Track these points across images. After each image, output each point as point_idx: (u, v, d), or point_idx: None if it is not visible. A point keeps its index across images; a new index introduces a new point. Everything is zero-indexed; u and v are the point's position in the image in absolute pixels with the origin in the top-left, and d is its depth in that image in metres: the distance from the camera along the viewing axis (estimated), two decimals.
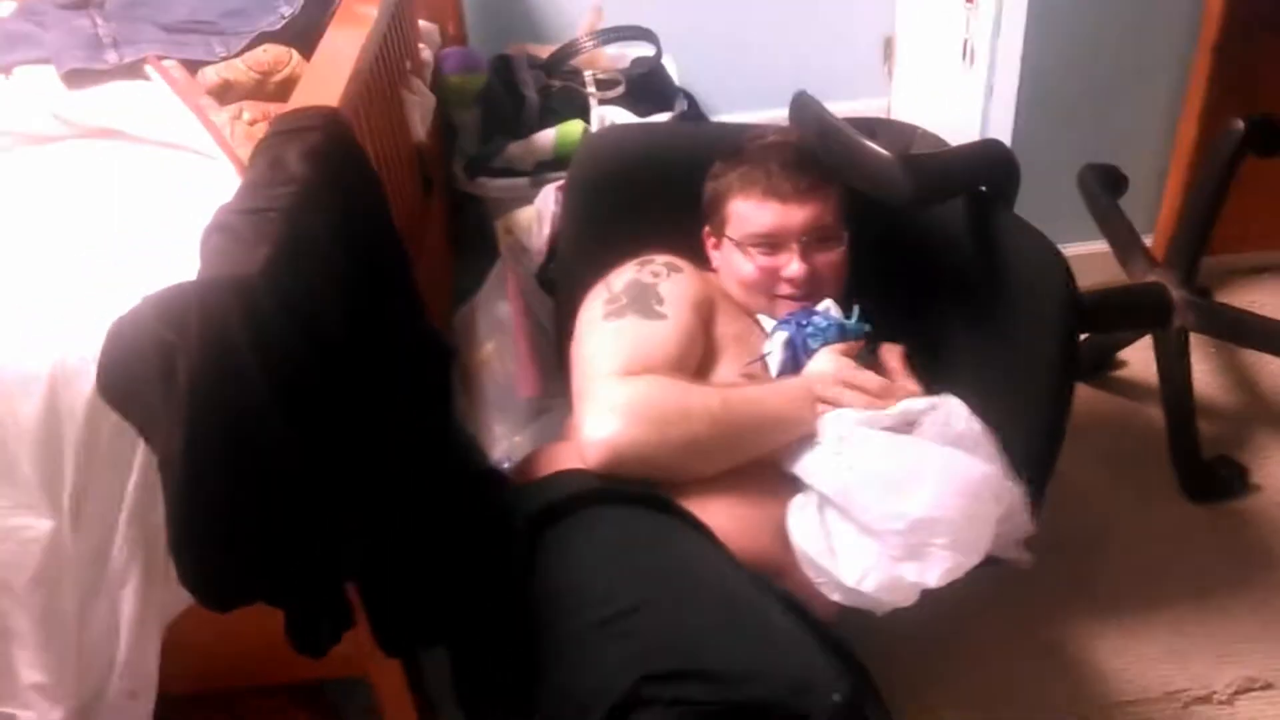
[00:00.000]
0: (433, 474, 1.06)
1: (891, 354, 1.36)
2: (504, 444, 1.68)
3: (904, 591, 1.14)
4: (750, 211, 1.38)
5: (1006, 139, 1.97)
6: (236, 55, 1.45)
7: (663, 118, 2.06)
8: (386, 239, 1.19)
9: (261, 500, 0.89)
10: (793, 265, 1.35)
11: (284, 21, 1.50)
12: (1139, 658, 1.48)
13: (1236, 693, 1.42)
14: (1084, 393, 1.98)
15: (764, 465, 1.28)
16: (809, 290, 1.37)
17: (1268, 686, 1.43)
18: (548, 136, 1.98)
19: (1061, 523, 1.30)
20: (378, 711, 1.29)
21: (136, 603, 1.02)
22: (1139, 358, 2.01)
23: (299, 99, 1.15)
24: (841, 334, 1.33)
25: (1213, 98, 1.92)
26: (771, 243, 1.37)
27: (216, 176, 1.25)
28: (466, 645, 1.22)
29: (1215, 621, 1.53)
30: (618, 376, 1.22)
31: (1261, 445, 1.85)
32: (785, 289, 1.38)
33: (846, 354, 1.30)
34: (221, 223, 0.92)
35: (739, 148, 1.45)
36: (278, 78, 1.42)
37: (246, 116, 1.35)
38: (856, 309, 1.36)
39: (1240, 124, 1.63)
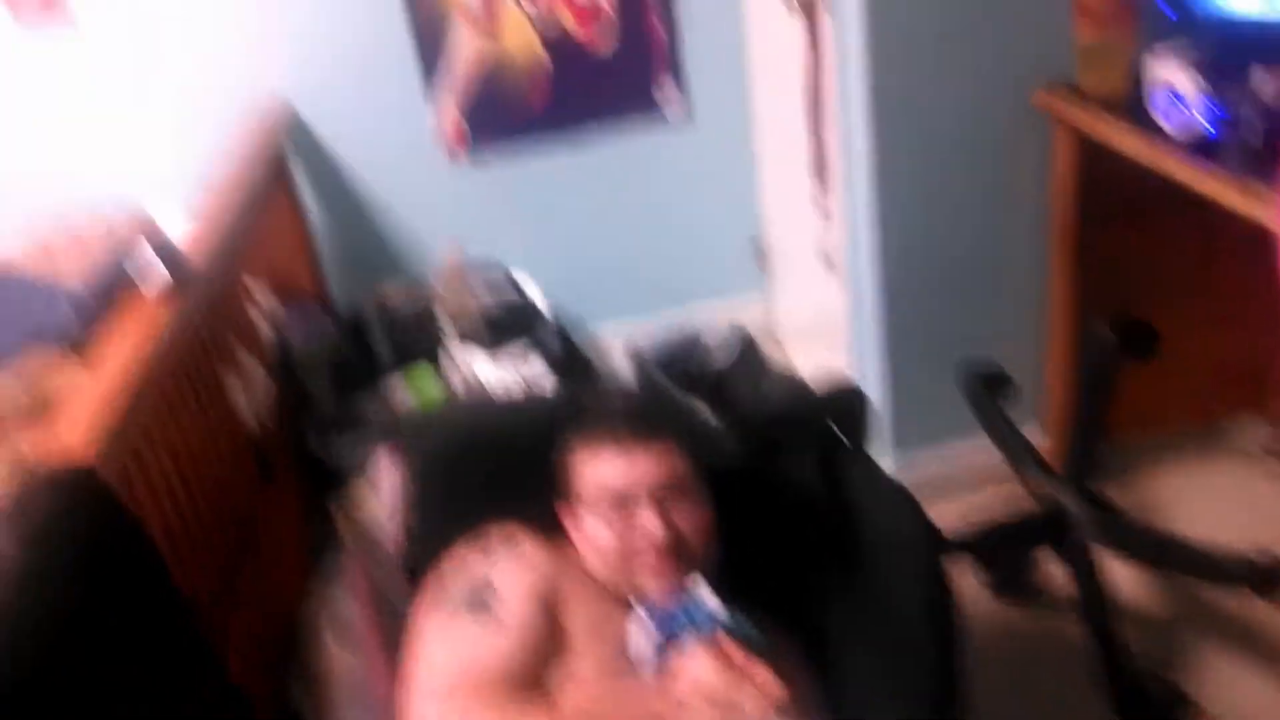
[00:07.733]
0: None
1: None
2: None
3: None
4: (596, 468, 1.24)
5: (877, 343, 1.92)
6: None
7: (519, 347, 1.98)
8: (157, 604, 1.05)
9: None
10: (649, 523, 1.20)
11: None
12: None
13: None
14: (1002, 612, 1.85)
15: None
16: (676, 557, 1.21)
17: None
18: (401, 390, 1.88)
19: None
20: None
21: None
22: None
23: (45, 452, 1.02)
24: (713, 626, 1.17)
25: (1077, 289, 1.88)
26: (624, 500, 1.22)
27: None
28: None
29: None
30: (439, 699, 1.11)
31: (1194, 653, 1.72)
32: (649, 556, 1.21)
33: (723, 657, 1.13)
34: None
35: (581, 409, 1.33)
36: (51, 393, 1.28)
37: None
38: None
39: (1110, 334, 1.55)
